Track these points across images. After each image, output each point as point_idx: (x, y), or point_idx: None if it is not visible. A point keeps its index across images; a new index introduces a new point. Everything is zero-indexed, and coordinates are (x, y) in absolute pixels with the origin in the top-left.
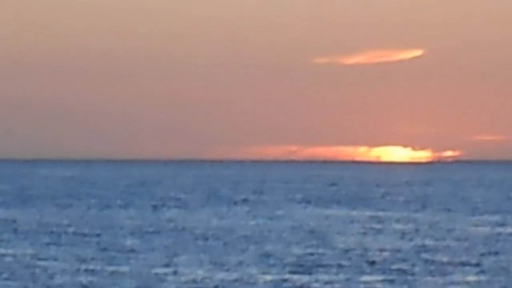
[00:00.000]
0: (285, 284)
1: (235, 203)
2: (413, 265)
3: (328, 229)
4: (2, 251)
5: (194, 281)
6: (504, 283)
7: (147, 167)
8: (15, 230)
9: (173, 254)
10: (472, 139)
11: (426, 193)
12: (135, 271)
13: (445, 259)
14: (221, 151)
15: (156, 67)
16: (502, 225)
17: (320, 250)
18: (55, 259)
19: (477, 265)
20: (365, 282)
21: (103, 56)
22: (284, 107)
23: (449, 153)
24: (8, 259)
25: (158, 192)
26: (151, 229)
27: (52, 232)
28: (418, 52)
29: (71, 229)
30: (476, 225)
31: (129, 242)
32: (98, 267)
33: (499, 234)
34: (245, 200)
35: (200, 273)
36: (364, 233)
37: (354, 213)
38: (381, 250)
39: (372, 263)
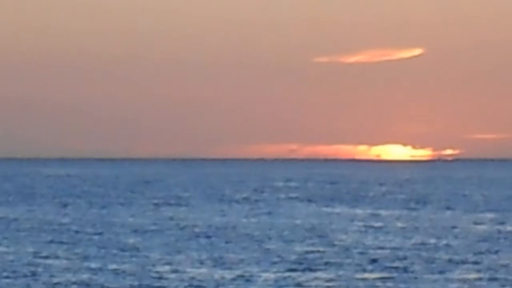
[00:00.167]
0: (286, 282)
1: (236, 201)
2: (413, 263)
3: (329, 227)
4: (4, 249)
5: (195, 279)
6: (503, 280)
7: (149, 166)
8: (17, 229)
9: (175, 252)
10: (471, 138)
11: (426, 192)
12: (136, 269)
13: (445, 256)
14: (222, 150)
15: (156, 67)
16: (501, 223)
17: (321, 248)
18: (57, 257)
19: (477, 262)
20: (365, 280)
21: (103, 56)
22: (284, 106)
23: (449, 152)
24: (10, 257)
25: (160, 191)
26: (152, 227)
27: (53, 230)
28: (417, 51)
29: (72, 227)
30: (476, 223)
31: (130, 240)
32: (100, 265)
33: (498, 232)
34: (246, 199)
35: (202, 271)
36: (365, 231)
37: (355, 211)
38: (382, 248)
39: (373, 260)
